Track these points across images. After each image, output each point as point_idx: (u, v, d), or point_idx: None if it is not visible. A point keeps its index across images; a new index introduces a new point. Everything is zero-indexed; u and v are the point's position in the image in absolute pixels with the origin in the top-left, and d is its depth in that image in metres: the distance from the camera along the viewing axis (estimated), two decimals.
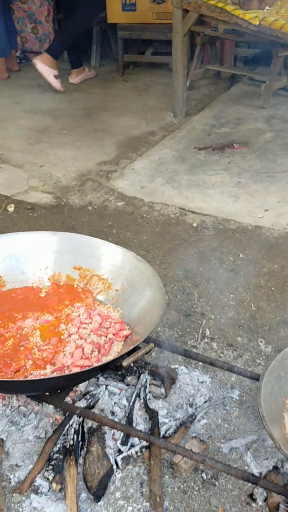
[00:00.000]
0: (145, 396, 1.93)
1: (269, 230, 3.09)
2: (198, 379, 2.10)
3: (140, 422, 1.86)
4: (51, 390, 1.76)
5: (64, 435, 1.80)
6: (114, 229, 3.13)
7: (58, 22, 6.52)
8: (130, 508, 1.67)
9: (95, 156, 4.04)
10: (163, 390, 2.01)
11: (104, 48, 6.37)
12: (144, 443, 1.78)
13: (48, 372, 1.75)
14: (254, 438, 1.88)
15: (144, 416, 1.88)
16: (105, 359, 1.80)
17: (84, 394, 1.93)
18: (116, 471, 1.75)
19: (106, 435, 1.78)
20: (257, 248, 2.94)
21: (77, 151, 4.10)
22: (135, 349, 1.67)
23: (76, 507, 1.61)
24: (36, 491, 1.67)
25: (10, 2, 6.12)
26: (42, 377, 1.72)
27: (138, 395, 1.92)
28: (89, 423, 1.82)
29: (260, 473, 1.73)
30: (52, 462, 1.73)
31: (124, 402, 1.93)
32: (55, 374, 1.73)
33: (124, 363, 1.60)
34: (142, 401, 1.91)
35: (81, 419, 1.83)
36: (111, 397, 1.93)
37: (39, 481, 1.69)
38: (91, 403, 1.88)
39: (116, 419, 1.86)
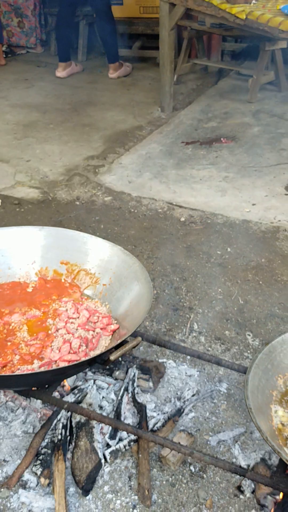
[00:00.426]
0: (133, 390, 1.93)
1: (257, 224, 3.10)
2: (186, 373, 2.11)
3: (128, 416, 1.86)
4: (38, 385, 1.75)
5: (52, 430, 1.80)
6: (102, 224, 3.13)
7: (44, 16, 6.48)
8: (118, 501, 1.67)
9: (83, 150, 4.02)
10: (151, 384, 2.01)
11: (91, 42, 6.34)
12: (132, 437, 1.79)
13: (35, 367, 1.74)
14: (242, 431, 1.89)
15: (132, 410, 1.89)
16: (93, 354, 1.80)
17: (72, 389, 1.93)
18: (105, 465, 1.75)
19: (94, 429, 1.78)
20: (244, 242, 2.95)
21: (64, 146, 4.08)
22: (123, 343, 1.67)
23: (65, 502, 1.61)
24: (24, 486, 1.67)
25: None
26: (30, 371, 1.72)
27: (126, 389, 1.92)
28: (77, 418, 1.82)
29: (248, 465, 1.74)
30: (40, 457, 1.72)
31: (112, 396, 1.93)
32: (42, 369, 1.73)
33: (112, 357, 1.60)
34: (130, 395, 1.91)
35: (69, 413, 1.82)
36: (99, 392, 1.93)
37: (27, 476, 1.69)
38: (79, 398, 1.88)
39: (104, 413, 1.86)
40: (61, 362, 1.76)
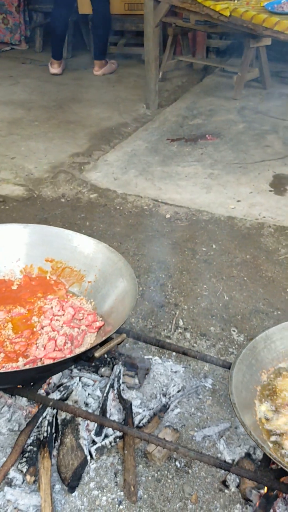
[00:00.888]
0: (119, 386, 1.94)
1: (242, 221, 3.12)
2: (171, 369, 2.12)
3: (114, 413, 1.87)
4: (24, 383, 1.75)
5: (37, 427, 1.80)
6: (87, 221, 3.12)
7: (29, 13, 6.44)
8: (104, 497, 1.67)
9: (68, 148, 4.01)
10: (136, 381, 2.02)
11: (76, 39, 6.32)
12: (118, 433, 1.79)
13: (20, 364, 1.74)
14: (227, 426, 1.90)
15: (118, 407, 1.89)
16: (78, 351, 1.80)
17: (58, 386, 1.93)
18: (90, 462, 1.75)
19: (80, 426, 1.78)
20: (229, 238, 2.97)
21: (49, 143, 4.06)
22: (108, 340, 1.67)
23: (50, 499, 1.61)
24: (9, 483, 1.66)
25: None
26: (15, 369, 1.71)
27: (111, 386, 1.93)
28: (62, 415, 1.82)
29: (233, 460, 1.75)
30: (26, 455, 1.72)
31: (98, 393, 1.93)
32: (27, 367, 1.72)
33: (97, 354, 1.61)
34: (115, 391, 1.92)
35: (54, 411, 1.82)
36: (85, 389, 1.93)
37: (12, 473, 1.68)
38: (65, 395, 1.88)
39: (90, 410, 1.86)
40: (46, 360, 1.76)
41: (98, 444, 1.77)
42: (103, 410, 1.84)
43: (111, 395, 1.90)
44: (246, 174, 3.60)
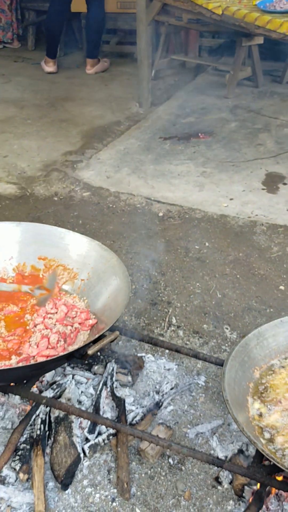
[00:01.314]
0: (112, 384, 1.94)
1: (234, 219, 3.13)
2: (164, 367, 2.12)
3: (107, 410, 1.87)
4: (17, 380, 1.75)
5: (31, 425, 1.80)
6: (80, 219, 3.12)
7: (21, 11, 6.42)
8: (97, 495, 1.68)
9: (60, 146, 4.01)
10: (130, 378, 2.02)
11: (68, 37, 6.30)
12: (111, 431, 1.79)
13: (13, 362, 1.74)
14: (220, 423, 1.91)
15: (111, 404, 1.89)
16: (71, 348, 1.80)
17: (51, 384, 1.93)
18: (84, 459, 1.76)
19: (73, 424, 1.78)
20: (222, 236, 2.98)
21: (42, 141, 4.06)
22: (101, 337, 1.67)
23: (44, 496, 1.62)
24: (2, 481, 1.66)
25: None
26: (7, 367, 1.71)
27: (105, 384, 1.93)
28: (56, 413, 1.82)
29: (226, 457, 1.76)
30: (19, 453, 1.72)
31: (91, 391, 1.93)
32: (20, 364, 1.72)
33: (90, 352, 1.61)
34: (109, 389, 1.92)
35: (48, 409, 1.82)
36: (78, 386, 1.93)
37: (5, 471, 1.68)
38: (58, 393, 1.88)
39: (83, 408, 1.86)
40: (39, 358, 1.76)
41: (91, 442, 1.77)
42: (96, 407, 1.85)
43: (104, 393, 1.90)
44: (238, 173, 3.61)
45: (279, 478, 1.52)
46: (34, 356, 1.77)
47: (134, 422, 1.85)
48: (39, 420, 1.79)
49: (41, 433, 1.76)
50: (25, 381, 1.78)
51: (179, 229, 3.05)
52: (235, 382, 1.63)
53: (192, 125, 4.31)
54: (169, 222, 3.12)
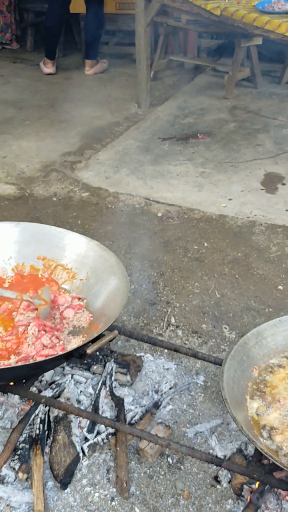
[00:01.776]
0: (111, 384, 1.94)
1: (233, 219, 3.13)
2: (163, 366, 2.13)
3: (106, 410, 1.87)
4: (16, 380, 1.75)
5: (30, 424, 1.80)
6: (79, 219, 3.13)
7: (20, 12, 6.43)
8: (97, 494, 1.68)
9: (59, 147, 4.01)
10: (129, 378, 2.02)
11: (67, 38, 6.31)
12: (110, 430, 1.80)
13: (12, 362, 1.74)
14: (219, 422, 1.91)
15: (110, 404, 1.90)
16: (70, 348, 1.80)
17: (50, 384, 1.93)
18: (83, 459, 1.76)
19: (72, 423, 1.79)
20: (221, 236, 2.98)
21: (41, 142, 4.06)
22: (100, 336, 1.68)
23: (43, 495, 1.62)
24: (2, 481, 1.66)
25: None
26: (7, 366, 1.71)
27: (104, 383, 1.93)
28: (55, 412, 1.82)
29: (225, 456, 1.76)
30: (18, 452, 1.72)
31: (90, 390, 1.94)
32: (19, 364, 1.72)
33: (89, 351, 1.61)
34: (108, 389, 1.92)
35: (47, 408, 1.83)
36: (77, 386, 1.94)
37: (5, 471, 1.68)
38: (57, 392, 1.88)
39: (82, 408, 1.86)
40: (38, 357, 1.76)
41: (91, 441, 1.77)
42: (95, 407, 1.85)
43: (103, 392, 1.90)
44: (237, 173, 3.61)
45: (278, 477, 1.53)
46: (33, 356, 1.77)
47: (133, 421, 1.85)
48: (38, 420, 1.79)
49: (40, 432, 1.76)
50: (24, 381, 1.78)
51: (178, 229, 3.05)
52: (234, 381, 1.63)
53: (191, 125, 4.32)
54: (168, 222, 3.12)
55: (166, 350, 2.20)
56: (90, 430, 1.79)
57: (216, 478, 1.73)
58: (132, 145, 3.96)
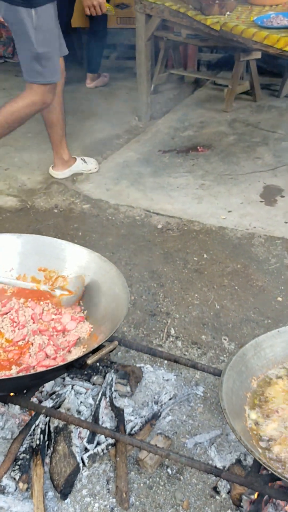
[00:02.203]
0: (111, 394, 1.96)
1: (233, 231, 3.16)
2: (163, 377, 2.14)
3: (106, 420, 1.88)
4: (16, 390, 1.77)
5: (30, 435, 1.81)
6: (80, 231, 3.15)
7: None
8: (96, 504, 1.69)
9: None
10: (129, 389, 2.04)
11: (68, 52, 6.37)
12: (110, 441, 1.81)
13: (13, 372, 1.76)
14: (218, 433, 1.93)
15: (110, 414, 1.91)
16: (71, 358, 1.82)
17: (51, 394, 1.94)
18: (83, 469, 1.77)
19: (72, 434, 1.80)
20: (220, 248, 3.00)
21: (42, 154, 4.10)
22: (100, 347, 1.69)
23: (43, 506, 1.63)
24: (2, 491, 1.67)
25: None
26: (7, 376, 1.73)
27: (104, 394, 1.95)
28: (55, 423, 1.83)
29: (224, 466, 1.77)
30: (19, 462, 1.74)
31: (90, 401, 1.95)
32: (20, 374, 1.74)
33: (89, 361, 1.63)
34: (108, 399, 1.94)
35: (47, 419, 1.84)
36: (77, 397, 1.95)
37: (5, 481, 1.70)
38: (57, 403, 1.90)
39: (82, 418, 1.87)
40: (39, 368, 1.78)
41: (91, 452, 1.79)
42: (96, 417, 1.86)
43: (103, 403, 1.92)
44: (237, 185, 3.64)
45: (277, 487, 1.54)
46: (34, 366, 1.79)
47: (133, 432, 1.87)
48: (39, 430, 1.80)
49: (41, 443, 1.77)
50: (25, 391, 1.79)
51: (178, 241, 3.08)
52: (232, 392, 1.64)
53: (191, 138, 4.36)
54: (168, 234, 3.15)
55: (165, 361, 2.22)
56: (90, 441, 1.80)
57: (215, 489, 1.74)
58: (132, 158, 4.00)
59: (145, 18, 4.19)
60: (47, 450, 1.78)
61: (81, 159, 3.78)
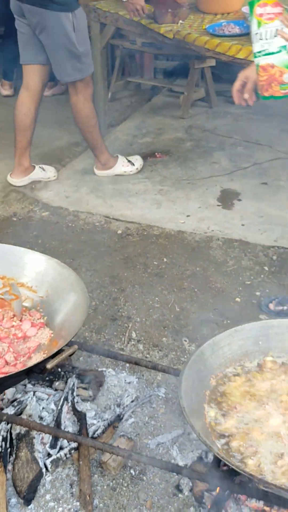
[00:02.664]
0: (73, 399, 1.96)
1: (191, 235, 3.21)
2: (125, 380, 2.16)
3: (69, 425, 1.89)
4: None
5: None
6: (40, 239, 3.15)
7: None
8: (60, 509, 1.69)
9: None
10: (91, 393, 2.05)
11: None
12: (73, 445, 1.82)
13: None
14: (180, 432, 1.95)
15: (72, 419, 1.92)
16: (30, 364, 1.82)
17: (12, 402, 1.94)
18: (46, 474, 1.77)
19: (34, 439, 1.80)
20: (180, 252, 3.05)
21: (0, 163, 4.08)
22: (60, 352, 1.70)
23: None
24: None
25: None
26: None
27: (66, 399, 1.95)
28: (17, 429, 1.83)
29: (186, 464, 1.80)
30: None
31: (52, 406, 1.95)
32: None
33: (49, 366, 1.63)
34: (70, 404, 1.95)
35: (9, 426, 1.83)
36: (39, 403, 1.95)
37: None
38: (19, 410, 1.89)
39: (44, 424, 1.88)
40: None
41: (53, 457, 1.79)
42: (58, 422, 1.87)
43: (65, 408, 1.92)
44: (194, 190, 3.70)
45: (237, 482, 1.57)
46: None
47: (95, 435, 1.88)
48: (0, 438, 1.80)
49: (3, 450, 1.77)
50: None
51: (138, 245, 3.11)
52: (192, 390, 1.68)
53: (148, 145, 4.41)
54: (128, 240, 3.17)
55: (127, 365, 2.24)
56: (52, 446, 1.81)
57: (178, 487, 1.76)
58: (91, 165, 4.01)
59: (100, 26, 4.22)
60: (9, 457, 1.78)
61: (40, 167, 3.80)
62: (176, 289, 2.75)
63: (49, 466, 1.77)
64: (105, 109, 4.68)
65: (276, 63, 1.81)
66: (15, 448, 1.79)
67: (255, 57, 1.85)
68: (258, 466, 1.52)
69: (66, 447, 1.82)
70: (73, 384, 2.01)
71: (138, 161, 3.92)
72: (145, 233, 3.22)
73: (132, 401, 2.04)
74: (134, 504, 1.72)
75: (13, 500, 1.69)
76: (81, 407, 1.97)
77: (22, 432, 1.82)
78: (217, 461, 1.62)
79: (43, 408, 1.94)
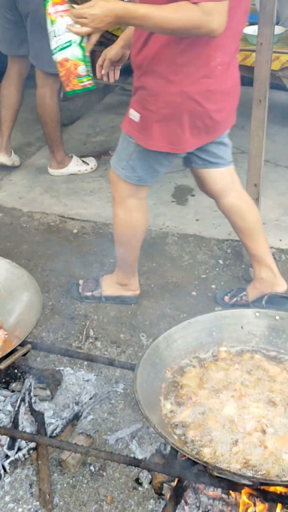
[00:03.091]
0: (30, 399, 1.95)
1: (147, 231, 3.20)
2: (83, 378, 2.16)
3: (27, 425, 1.88)
4: None
5: None
6: None
7: None
8: (20, 509, 1.69)
9: None
10: (48, 392, 2.04)
11: None
12: (32, 445, 1.81)
13: None
14: (139, 427, 1.97)
15: (30, 419, 1.91)
16: None
17: None
18: (4, 476, 1.76)
19: None
20: None
21: None
22: (13, 352, 1.69)
23: None
24: None
25: None
26: None
27: (23, 399, 1.94)
28: None
29: (144, 458, 1.81)
30: None
31: (9, 408, 1.94)
32: None
33: (1, 366, 1.62)
34: (27, 404, 1.93)
35: None
36: None
37: None
38: None
39: (1, 425, 1.86)
40: None
41: (12, 458, 1.78)
42: (15, 423, 1.86)
43: (22, 409, 1.91)
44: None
45: (195, 471, 1.60)
46: None
47: (54, 434, 1.88)
48: None
49: None
50: None
51: (94, 244, 3.10)
52: (147, 384, 1.69)
53: (102, 143, 4.40)
54: (83, 238, 3.17)
55: (86, 362, 2.24)
56: (10, 447, 1.79)
57: (137, 481, 1.78)
58: (45, 165, 3.99)
59: None
60: None
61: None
62: None
63: (7, 468, 1.75)
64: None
65: (70, 56, 1.88)
66: None
67: (53, 54, 1.91)
68: (214, 454, 1.55)
69: (25, 447, 1.81)
70: (30, 385, 2.00)
71: (92, 161, 3.93)
72: (101, 231, 3.23)
73: (90, 399, 2.05)
74: (94, 500, 1.73)
75: None
76: (38, 407, 1.96)
77: None
78: (174, 452, 1.64)
79: None
